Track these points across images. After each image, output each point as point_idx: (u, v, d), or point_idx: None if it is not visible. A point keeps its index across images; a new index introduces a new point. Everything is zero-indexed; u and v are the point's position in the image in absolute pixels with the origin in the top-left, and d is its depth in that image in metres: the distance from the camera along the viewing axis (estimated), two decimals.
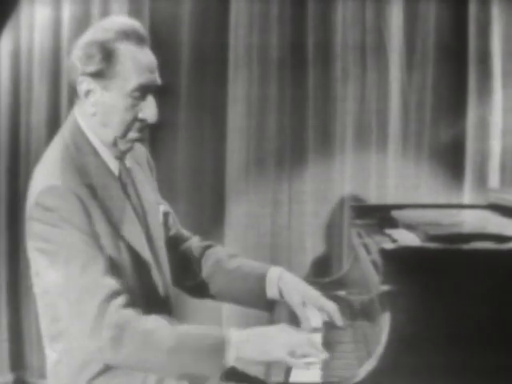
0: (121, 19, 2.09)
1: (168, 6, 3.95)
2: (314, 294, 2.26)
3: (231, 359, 1.86)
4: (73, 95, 2.08)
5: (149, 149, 3.84)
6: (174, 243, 2.31)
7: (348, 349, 2.17)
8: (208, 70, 3.98)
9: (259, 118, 3.93)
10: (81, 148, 2.04)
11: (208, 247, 2.42)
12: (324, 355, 1.88)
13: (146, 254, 2.07)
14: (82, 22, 3.99)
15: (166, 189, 3.81)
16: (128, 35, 1.99)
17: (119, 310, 1.88)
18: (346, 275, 2.79)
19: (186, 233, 2.45)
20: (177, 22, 3.95)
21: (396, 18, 3.82)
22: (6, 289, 4.11)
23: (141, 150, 2.29)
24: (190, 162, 3.96)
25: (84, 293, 1.88)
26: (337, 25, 3.86)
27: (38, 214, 1.94)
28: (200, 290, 2.36)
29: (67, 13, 4.01)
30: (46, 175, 2.01)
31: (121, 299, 1.89)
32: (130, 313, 1.89)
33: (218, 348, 1.85)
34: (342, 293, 2.68)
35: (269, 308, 2.31)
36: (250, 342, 1.88)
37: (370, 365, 1.72)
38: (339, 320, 2.20)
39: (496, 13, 3.74)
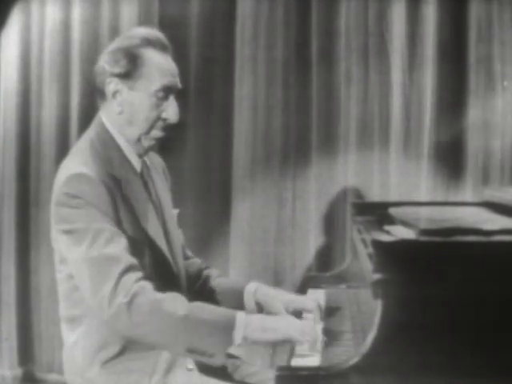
0: (145, 29, 2.24)
1: (176, 8, 4.01)
2: (293, 298, 2.37)
3: (238, 338, 1.97)
4: (99, 98, 2.21)
5: (157, 147, 3.95)
6: None
7: (347, 337, 2.27)
8: (215, 71, 4.02)
9: (265, 118, 3.98)
10: (106, 145, 2.17)
11: (204, 269, 2.53)
12: (321, 339, 2.04)
13: (163, 245, 2.19)
14: (92, 24, 4.07)
15: (174, 187, 3.92)
16: (152, 42, 2.16)
17: (136, 282, 1.99)
18: (346, 269, 2.88)
19: (189, 252, 2.55)
20: (185, 24, 4.01)
21: (398, 21, 3.85)
22: (15, 285, 4.17)
23: (158, 160, 2.44)
24: (197, 160, 4.01)
25: (105, 264, 2.00)
26: (340, 28, 3.91)
27: (65, 199, 2.06)
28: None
29: (77, 15, 4.07)
30: (74, 164, 2.11)
31: (138, 274, 2.02)
32: (147, 284, 2.00)
33: (227, 325, 1.97)
34: (342, 286, 2.78)
35: None
36: (257, 322, 2.00)
37: (363, 348, 1.83)
38: (320, 317, 2.32)
39: (495, 16, 3.79)
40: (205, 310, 2.01)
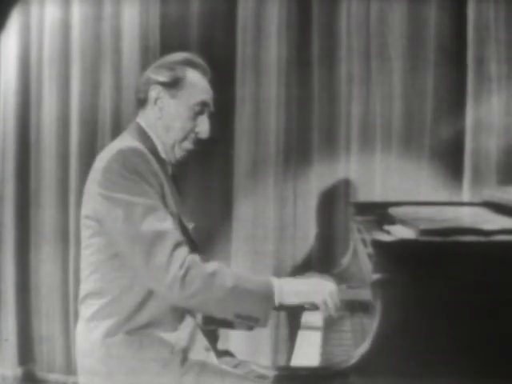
0: (189, 53, 2.44)
1: (177, 8, 4.03)
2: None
3: (276, 302, 2.18)
4: (139, 106, 2.41)
5: None
6: None
7: (346, 337, 2.28)
8: (216, 72, 4.03)
9: (266, 118, 3.98)
10: (146, 142, 2.33)
11: None
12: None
13: (189, 229, 2.37)
14: (93, 24, 4.08)
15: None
16: (194, 64, 2.39)
17: (187, 255, 2.15)
18: (346, 269, 2.89)
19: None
20: (185, 24, 4.02)
21: (399, 23, 3.85)
22: (15, 285, 4.18)
23: None
24: (198, 160, 4.03)
25: (158, 239, 2.14)
26: (342, 29, 3.91)
27: (120, 169, 2.20)
28: None
29: (77, 14, 4.09)
30: (125, 142, 2.27)
31: (186, 247, 2.18)
32: (196, 257, 2.17)
33: (267, 293, 2.18)
34: (342, 286, 2.78)
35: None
36: (289, 288, 2.20)
37: (363, 348, 1.83)
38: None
39: (492, 18, 3.80)
40: (246, 279, 2.19)
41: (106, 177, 2.21)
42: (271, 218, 3.99)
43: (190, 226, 2.47)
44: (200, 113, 2.37)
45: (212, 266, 2.18)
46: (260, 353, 3.84)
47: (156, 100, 2.35)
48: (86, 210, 2.28)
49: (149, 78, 2.37)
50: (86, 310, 2.29)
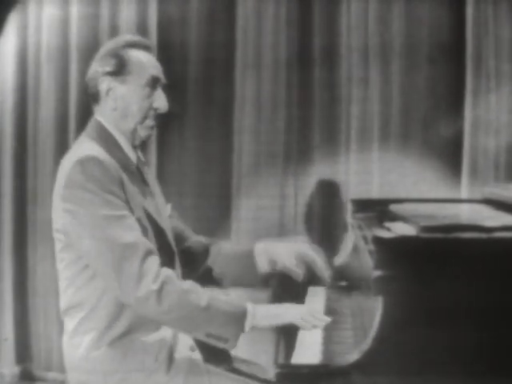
0: (128, 35, 2.46)
1: (175, 7, 4.03)
2: (300, 248, 2.55)
3: (248, 326, 2.16)
4: (93, 102, 2.36)
5: (157, 145, 3.97)
6: (179, 239, 2.52)
7: (347, 335, 2.27)
8: (215, 70, 4.04)
9: (266, 117, 4.00)
10: (105, 139, 2.30)
11: (211, 244, 2.65)
12: (326, 320, 2.20)
13: (162, 224, 2.32)
14: (91, 22, 4.08)
15: (175, 184, 3.93)
16: (135, 44, 2.36)
17: (159, 267, 2.12)
18: (346, 266, 2.89)
19: (189, 231, 2.67)
20: (184, 23, 4.03)
21: (397, 22, 3.89)
22: (12, 283, 4.19)
23: (150, 171, 2.56)
24: (197, 158, 4.03)
25: (126, 251, 2.11)
26: (342, 28, 3.94)
27: (80, 181, 2.16)
28: (204, 278, 2.52)
29: (75, 12, 4.09)
30: (82, 150, 2.23)
31: (157, 257, 2.15)
32: (170, 271, 2.14)
33: (240, 315, 2.15)
34: (343, 283, 2.79)
35: (264, 283, 2.55)
36: (263, 311, 2.18)
37: (364, 346, 1.83)
38: (325, 273, 2.53)
39: (491, 15, 3.81)
40: (221, 300, 2.17)
41: (67, 190, 2.17)
42: (272, 214, 4.00)
43: (168, 206, 2.46)
44: (153, 88, 2.33)
45: (186, 283, 2.16)
46: (261, 350, 3.84)
47: (108, 91, 2.31)
48: (55, 223, 2.27)
49: (95, 71, 2.33)
50: (69, 322, 2.28)
